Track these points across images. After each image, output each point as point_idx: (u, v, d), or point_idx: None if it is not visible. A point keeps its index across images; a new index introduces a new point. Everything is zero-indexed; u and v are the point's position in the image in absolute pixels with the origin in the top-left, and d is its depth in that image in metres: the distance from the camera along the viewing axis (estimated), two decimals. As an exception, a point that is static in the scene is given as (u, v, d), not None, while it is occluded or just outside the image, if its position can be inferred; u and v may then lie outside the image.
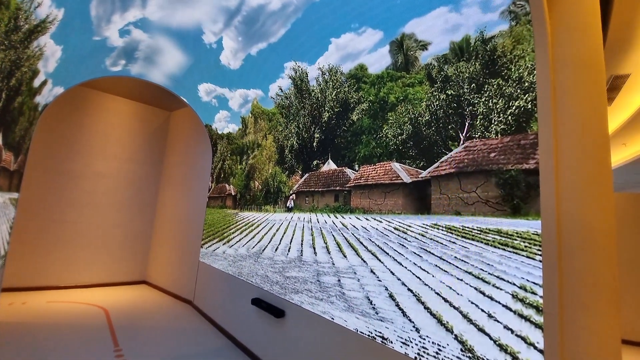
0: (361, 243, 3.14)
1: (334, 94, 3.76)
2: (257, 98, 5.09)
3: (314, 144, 4.01)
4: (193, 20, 4.29)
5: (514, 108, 2.34)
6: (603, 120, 2.11)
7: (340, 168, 3.59)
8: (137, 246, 7.79)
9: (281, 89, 4.54)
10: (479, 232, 2.37)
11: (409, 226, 2.81)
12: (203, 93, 5.84)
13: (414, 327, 2.52)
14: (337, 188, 3.57)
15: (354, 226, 3.28)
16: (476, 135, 2.53)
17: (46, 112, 5.51)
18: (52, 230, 6.64)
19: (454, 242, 2.48)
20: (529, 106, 2.28)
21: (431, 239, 2.62)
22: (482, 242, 2.33)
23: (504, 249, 2.23)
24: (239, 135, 5.75)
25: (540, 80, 2.15)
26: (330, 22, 3.51)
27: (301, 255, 3.78)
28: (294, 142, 4.37)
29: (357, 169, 3.39)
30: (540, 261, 2.03)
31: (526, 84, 2.31)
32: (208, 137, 6.55)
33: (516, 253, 2.17)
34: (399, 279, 2.73)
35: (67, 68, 4.77)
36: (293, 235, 4.01)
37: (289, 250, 3.98)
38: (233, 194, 5.67)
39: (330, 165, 3.73)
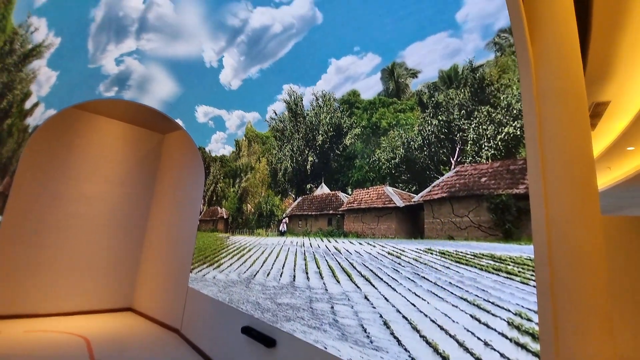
0: (354, 268, 3.09)
1: (327, 118, 3.83)
2: (253, 121, 5.14)
3: (308, 168, 4.03)
4: (187, 52, 4.38)
5: (503, 134, 2.41)
6: (587, 145, 2.18)
7: (333, 192, 3.59)
8: (123, 271, 7.53)
9: (275, 113, 4.60)
10: (472, 257, 2.36)
11: (403, 251, 2.78)
12: (200, 114, 5.87)
13: (409, 356, 2.45)
14: (331, 212, 3.55)
15: (347, 250, 3.24)
16: (467, 160, 2.58)
17: (36, 133, 5.46)
18: (34, 254, 6.40)
19: (448, 267, 2.46)
20: (518, 132, 2.35)
21: (425, 264, 2.60)
22: (476, 267, 2.32)
23: (498, 274, 2.21)
24: (233, 158, 5.75)
25: (526, 109, 2.23)
26: (331, 44, 3.57)
27: (293, 280, 3.69)
28: (288, 166, 4.39)
29: (350, 192, 3.40)
30: (534, 286, 2.02)
31: (515, 111, 2.39)
32: (201, 160, 6.53)
33: (510, 278, 2.16)
34: (393, 306, 2.67)
35: (61, 92, 4.79)
36: (285, 260, 3.94)
37: (281, 276, 3.89)
38: (225, 217, 5.59)
39: (323, 189, 3.74)
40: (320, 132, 3.91)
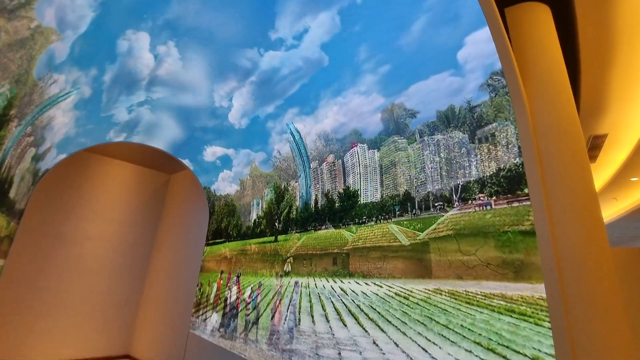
0: (362, 310, 2.99)
1: (330, 157, 3.91)
2: (259, 160, 5.24)
3: (312, 206, 4.04)
4: (196, 99, 4.61)
5: (505, 171, 2.44)
6: (588, 177, 2.20)
7: (338, 230, 3.57)
8: (122, 315, 7.30)
9: (279, 152, 4.71)
10: (483, 297, 2.29)
11: (411, 291, 2.71)
12: (209, 154, 5.98)
13: (424, 408, 2.29)
14: (335, 251, 3.51)
15: (354, 291, 3.15)
16: (470, 197, 2.59)
17: (46, 176, 5.59)
18: (36, 298, 6.27)
19: (458, 309, 2.38)
20: (520, 169, 2.38)
21: (435, 305, 2.51)
22: (487, 308, 2.24)
23: (511, 316, 2.13)
24: (237, 197, 5.80)
25: (524, 146, 2.28)
26: (336, 85, 3.70)
27: (298, 324, 3.55)
28: (292, 204, 4.41)
29: (354, 231, 3.38)
30: (549, 328, 1.94)
31: (515, 149, 2.44)
32: (206, 201, 6.58)
33: (524, 320, 2.08)
34: (403, 351, 2.54)
35: (73, 138, 4.97)
36: (290, 301, 3.82)
37: (285, 319, 3.75)
38: (229, 257, 5.52)
39: (327, 228, 3.72)
40: (324, 170, 3.98)
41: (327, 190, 3.87)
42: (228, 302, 4.93)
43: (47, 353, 6.21)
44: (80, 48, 3.41)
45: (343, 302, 3.19)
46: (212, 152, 5.88)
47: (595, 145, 5.08)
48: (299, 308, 3.65)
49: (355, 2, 2.97)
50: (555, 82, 2.47)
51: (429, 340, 2.42)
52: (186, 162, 6.38)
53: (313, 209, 4.02)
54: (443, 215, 2.72)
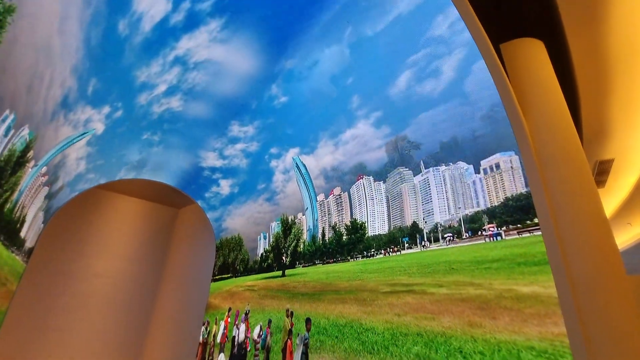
0: (375, 350, 2.86)
1: (337, 189, 3.94)
2: (264, 197, 5.28)
3: (319, 239, 4.02)
4: (203, 142, 4.79)
5: (513, 200, 2.43)
6: (597, 204, 2.17)
7: (346, 264, 3.52)
8: (128, 355, 7.06)
9: (284, 188, 4.76)
10: (499, 334, 2.19)
11: (424, 328, 2.60)
12: (216, 190, 6.08)
13: None
14: (344, 285, 3.43)
15: (366, 327, 3.04)
16: (479, 227, 2.56)
17: (56, 213, 5.68)
18: (37, 340, 6.11)
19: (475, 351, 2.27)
20: (528, 199, 2.37)
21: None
22: (505, 346, 2.14)
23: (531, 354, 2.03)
24: (244, 230, 5.79)
25: (530, 176, 2.28)
26: (342, 117, 3.80)
27: (308, 364, 3.40)
28: (300, 237, 4.39)
29: (363, 264, 3.33)
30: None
31: (521, 179, 2.44)
32: (213, 235, 6.56)
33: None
34: (420, 394, 2.40)
35: (84, 174, 5.11)
36: (302, 340, 3.68)
37: None
38: (235, 293, 5.41)
39: (336, 261, 3.67)
40: (330, 203, 3.99)
41: (334, 222, 3.86)
42: (236, 341, 4.76)
43: (47, 399, 5.96)
44: (93, 87, 3.63)
45: (359, 340, 3.06)
46: (219, 188, 5.98)
47: (602, 171, 5.03)
48: (310, 347, 3.51)
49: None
50: (555, 113, 2.52)
51: (447, 382, 2.30)
52: (194, 197, 6.46)
53: (320, 242, 3.99)
54: (453, 247, 2.68)
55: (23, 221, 4.20)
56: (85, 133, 4.31)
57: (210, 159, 5.38)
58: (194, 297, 6.60)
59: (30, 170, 3.59)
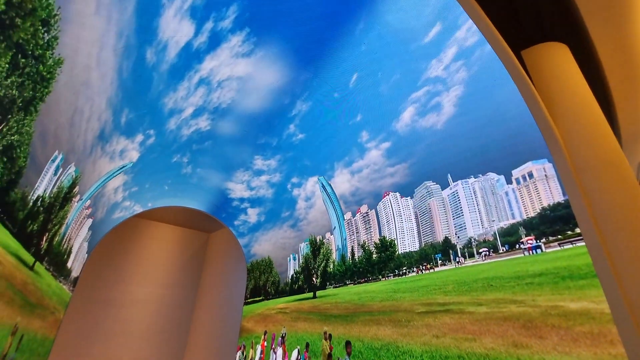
0: (413, 373, 2.73)
1: (364, 207, 3.93)
2: (289, 224, 5.36)
3: (349, 259, 3.99)
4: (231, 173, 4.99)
5: (549, 210, 2.32)
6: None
7: (377, 283, 3.44)
8: (164, 382, 7.15)
9: (307, 215, 4.79)
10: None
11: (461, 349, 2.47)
12: (244, 217, 6.25)
13: None
14: (377, 306, 3.35)
15: (403, 351, 2.92)
16: (516, 241, 2.45)
17: (98, 243, 6.02)
18: (83, 367, 6.35)
19: (523, 369, 2.12)
20: (567, 208, 2.25)
21: (495, 365, 2.26)
22: (558, 368, 1.98)
23: (589, 377, 1.86)
24: (273, 253, 5.85)
25: (567, 183, 2.17)
26: (348, 157, 3.90)
27: (345, 390, 3.29)
28: (329, 257, 4.37)
29: (396, 283, 3.25)
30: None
31: (557, 187, 2.34)
32: (244, 257, 6.67)
33: (606, 382, 1.80)
34: (467, 422, 2.25)
35: (120, 204, 5.42)
36: (334, 364, 3.59)
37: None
38: (268, 316, 5.40)
39: (367, 281, 3.60)
40: (358, 222, 3.97)
41: (363, 241, 3.82)
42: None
43: None
44: (126, 117, 3.91)
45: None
46: (247, 216, 6.14)
47: (648, 173, 4.69)
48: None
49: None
50: (587, 116, 2.41)
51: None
52: (224, 222, 6.64)
53: (350, 261, 3.94)
54: (490, 262, 2.56)
55: (70, 252, 4.48)
56: (123, 167, 4.61)
57: (239, 190, 5.59)
58: (227, 320, 6.65)
59: (76, 204, 3.86)
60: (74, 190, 3.60)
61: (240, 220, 6.31)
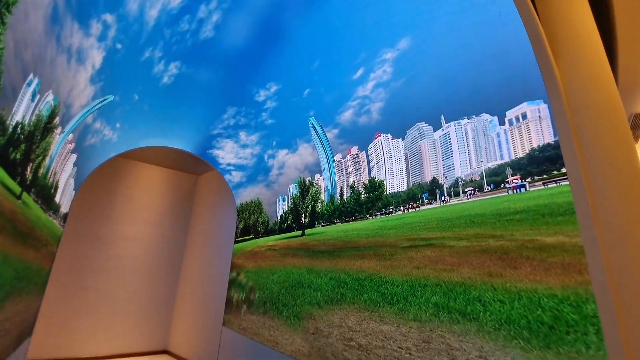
0: (395, 300, 2.96)
1: (354, 149, 3.92)
2: (283, 159, 5.34)
3: (337, 199, 4.07)
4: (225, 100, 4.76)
5: (539, 151, 2.35)
6: (632, 155, 2.07)
7: (364, 222, 3.58)
8: (159, 313, 7.64)
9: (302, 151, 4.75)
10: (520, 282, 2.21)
11: (443, 280, 2.66)
12: (235, 153, 6.19)
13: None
14: (363, 242, 3.51)
15: (385, 281, 3.14)
16: (502, 180, 2.52)
17: (85, 180, 5.95)
18: (78, 298, 6.68)
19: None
20: (556, 149, 2.28)
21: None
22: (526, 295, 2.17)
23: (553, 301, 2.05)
24: (263, 194, 5.92)
25: (559, 123, 2.18)
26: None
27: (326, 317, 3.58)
28: (318, 198, 4.45)
29: (382, 221, 3.37)
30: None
31: (549, 128, 2.34)
32: (234, 199, 6.75)
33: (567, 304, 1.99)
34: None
35: (107, 142, 5.26)
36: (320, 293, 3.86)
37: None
38: (257, 253, 5.64)
39: (355, 220, 3.73)
40: (348, 163, 3.98)
41: (352, 182, 3.87)
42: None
43: (91, 349, 6.61)
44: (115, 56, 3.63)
45: (378, 292, 3.18)
46: (240, 144, 6.03)
47: (636, 125, 4.76)
48: (332, 300, 3.68)
49: None
50: (591, 56, 2.34)
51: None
52: (213, 155, 6.58)
53: (339, 202, 4.04)
54: (474, 201, 2.65)
55: (56, 187, 4.42)
56: (104, 100, 4.38)
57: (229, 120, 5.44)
58: (219, 257, 6.93)
59: (58, 136, 3.72)
60: (55, 121, 3.43)
61: (230, 155, 6.27)
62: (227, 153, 6.27)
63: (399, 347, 2.77)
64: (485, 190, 2.59)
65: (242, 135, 5.73)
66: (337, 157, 4.15)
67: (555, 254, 2.09)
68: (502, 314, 2.23)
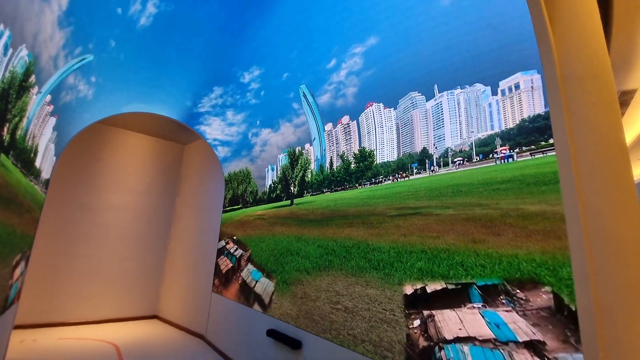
0: (380, 266, 3.06)
1: (345, 118, 3.88)
2: (270, 129, 5.25)
3: (327, 169, 4.07)
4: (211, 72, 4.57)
5: (529, 122, 2.37)
6: (618, 128, 2.11)
7: (353, 191, 3.61)
8: (148, 280, 7.72)
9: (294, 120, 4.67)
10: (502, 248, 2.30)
11: (428, 247, 2.75)
12: (223, 123, 6.05)
13: (441, 352, 2.39)
14: (351, 211, 3.56)
15: (372, 248, 3.22)
16: (491, 151, 2.55)
17: (67, 146, 5.75)
18: (65, 264, 6.66)
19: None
20: (546, 120, 2.30)
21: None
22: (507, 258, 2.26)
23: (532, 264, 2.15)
24: (251, 163, 5.86)
25: (551, 93, 2.18)
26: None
27: (314, 282, 3.68)
28: (307, 168, 4.44)
29: (371, 191, 3.41)
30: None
31: (541, 100, 2.35)
32: (222, 169, 6.67)
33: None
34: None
35: (89, 106, 5.03)
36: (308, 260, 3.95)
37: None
38: (246, 222, 5.67)
39: (344, 189, 3.75)
40: (339, 132, 3.95)
41: (343, 151, 3.86)
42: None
43: (81, 314, 6.69)
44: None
45: (365, 258, 3.26)
46: (226, 122, 5.92)
47: (623, 102, 4.83)
48: (320, 266, 3.77)
49: None
50: (588, 28, 2.31)
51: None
52: (200, 130, 6.43)
53: (328, 171, 4.04)
54: (462, 171, 2.69)
55: (36, 151, 4.25)
56: (83, 60, 4.15)
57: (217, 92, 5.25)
58: (207, 226, 6.95)
59: (34, 97, 3.53)
60: (30, 80, 3.24)
61: (219, 125, 6.15)
62: (214, 130, 6.24)
63: (384, 309, 2.90)
64: (474, 160, 2.63)
65: (229, 114, 5.74)
66: (328, 126, 4.10)
67: (537, 221, 2.17)
68: (482, 277, 2.34)
